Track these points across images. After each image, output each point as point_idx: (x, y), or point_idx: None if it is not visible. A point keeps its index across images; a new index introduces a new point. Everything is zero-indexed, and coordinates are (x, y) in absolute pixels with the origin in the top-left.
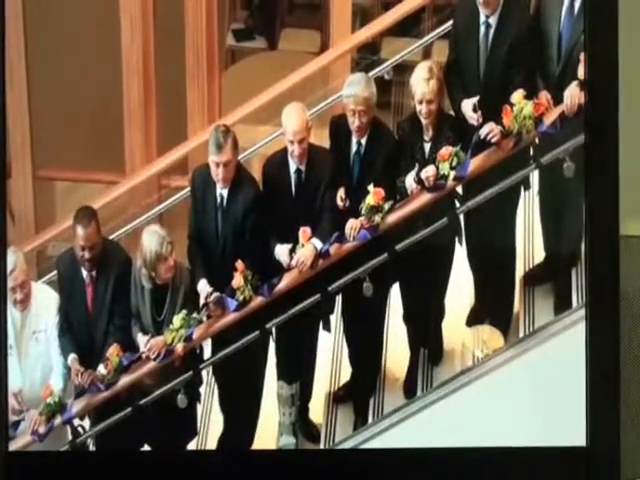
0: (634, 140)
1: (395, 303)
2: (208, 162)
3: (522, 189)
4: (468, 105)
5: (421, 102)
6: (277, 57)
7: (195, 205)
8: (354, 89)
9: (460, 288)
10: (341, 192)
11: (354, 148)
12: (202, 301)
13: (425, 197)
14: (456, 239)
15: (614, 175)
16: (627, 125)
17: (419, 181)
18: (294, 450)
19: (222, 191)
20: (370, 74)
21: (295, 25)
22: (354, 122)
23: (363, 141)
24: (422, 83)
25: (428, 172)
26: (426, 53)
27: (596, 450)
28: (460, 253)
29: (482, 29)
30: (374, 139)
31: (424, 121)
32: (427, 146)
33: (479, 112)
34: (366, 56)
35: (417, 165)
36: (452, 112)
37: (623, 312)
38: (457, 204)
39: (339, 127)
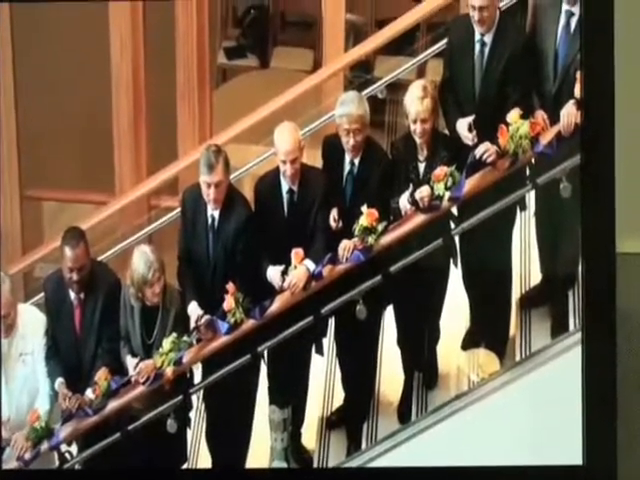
0: (630, 156)
1: (389, 326)
2: (199, 182)
3: (518, 210)
4: (463, 124)
5: (415, 121)
6: (269, 75)
7: (185, 226)
8: (347, 108)
9: (455, 311)
10: (334, 213)
11: (347, 168)
12: (192, 324)
13: (419, 218)
14: (451, 261)
15: (610, 193)
16: (623, 141)
17: (413, 202)
18: (286, 469)
19: (213, 212)
20: (363, 93)
21: (287, 43)
22: (348, 141)
23: (356, 161)
24: (416, 102)
25: (423, 193)
26: (420, 72)
27: (593, 469)
28: (455, 275)
29: (477, 47)
30: (367, 159)
31: (418, 140)
32: (422, 166)
33: (474, 132)
34: (359, 74)
35: (411, 185)
36: (447, 131)
37: (620, 330)
38: (452, 225)
39: (332, 147)
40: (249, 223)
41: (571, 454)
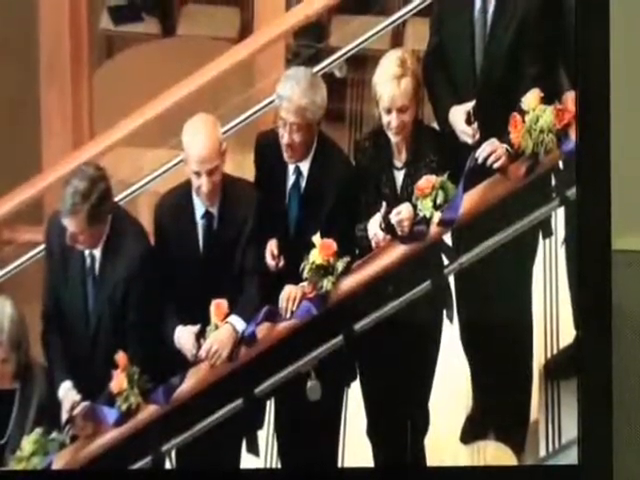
0: (625, 151)
1: (355, 410)
2: None
3: (541, 236)
4: (459, 114)
5: (389, 111)
6: (175, 46)
7: (53, 270)
8: (288, 88)
9: (451, 386)
10: (272, 246)
11: (291, 179)
12: (65, 414)
13: (397, 250)
14: (444, 313)
15: (606, 189)
16: (618, 135)
17: (388, 227)
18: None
19: (93, 250)
20: (315, 70)
21: (202, 0)
22: (283, 136)
23: (304, 168)
24: (391, 83)
25: (401, 214)
26: (396, 38)
27: (588, 468)
28: (450, 334)
29: (478, 2)
30: (320, 166)
31: (394, 138)
32: (399, 175)
33: (475, 124)
34: (308, 43)
35: (384, 204)
36: (435, 125)
37: (615, 326)
38: (445, 260)
39: (269, 149)
40: (145, 264)
41: (548, 423)
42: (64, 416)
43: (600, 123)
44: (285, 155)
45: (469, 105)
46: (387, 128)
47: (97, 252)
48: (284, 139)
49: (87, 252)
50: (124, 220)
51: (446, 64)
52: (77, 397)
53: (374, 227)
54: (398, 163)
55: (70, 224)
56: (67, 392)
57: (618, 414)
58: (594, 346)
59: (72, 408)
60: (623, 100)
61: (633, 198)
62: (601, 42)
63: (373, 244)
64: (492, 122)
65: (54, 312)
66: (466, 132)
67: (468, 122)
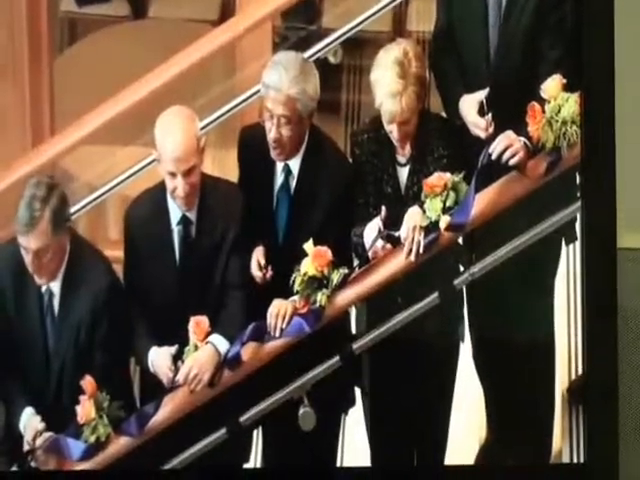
0: (631, 149)
1: (353, 441)
2: None
3: (564, 243)
4: (471, 104)
5: (391, 122)
6: (147, 30)
7: (5, 308)
8: (274, 78)
9: (463, 412)
10: (259, 254)
11: (280, 179)
12: (26, 446)
13: (400, 260)
14: (458, 330)
15: (611, 186)
16: (623, 136)
17: (388, 236)
18: None
19: (51, 284)
20: (306, 55)
21: None
22: (270, 130)
23: (294, 167)
24: (391, 100)
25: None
26: (398, 19)
27: (594, 466)
28: (462, 353)
29: None
30: (313, 164)
31: (400, 148)
32: (402, 172)
33: (489, 115)
34: (297, 25)
35: (384, 208)
36: (443, 114)
37: (620, 327)
38: (460, 268)
39: (255, 145)
40: (112, 296)
41: (573, 452)
42: (25, 446)
43: (606, 120)
44: (273, 152)
45: (481, 94)
46: (390, 134)
47: (55, 286)
48: (271, 134)
49: (44, 288)
50: (83, 248)
51: (456, 47)
52: (40, 425)
53: (371, 235)
54: (402, 158)
55: (32, 240)
56: (30, 419)
57: (624, 411)
58: (600, 343)
59: (34, 438)
60: (629, 98)
61: (639, 195)
62: (606, 41)
63: (370, 254)
64: (508, 113)
65: (6, 347)
66: (478, 124)
67: (481, 113)
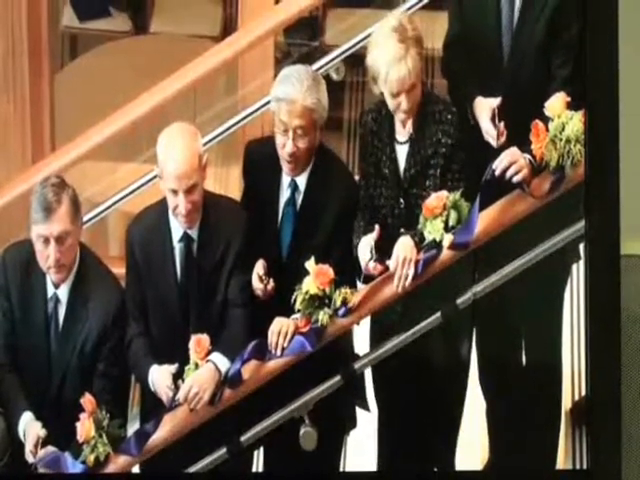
0: (634, 156)
1: (356, 461)
2: (29, 238)
3: (570, 261)
4: (484, 107)
5: (398, 94)
6: (148, 45)
7: (10, 310)
8: (289, 88)
9: (462, 435)
10: (259, 269)
11: (285, 194)
12: (28, 451)
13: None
14: (461, 349)
15: (615, 194)
16: (627, 140)
17: (380, 257)
18: None
19: (58, 290)
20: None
21: None
22: (285, 146)
23: (301, 182)
24: (396, 66)
25: (401, 256)
26: None
27: (598, 473)
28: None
29: None
30: (320, 179)
31: (401, 127)
32: (402, 152)
33: (501, 124)
34: (300, 41)
35: (377, 227)
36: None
37: (624, 333)
38: (465, 287)
39: (260, 160)
40: (118, 305)
41: (576, 458)
42: (27, 451)
43: (609, 127)
44: (286, 167)
45: (495, 101)
46: (396, 110)
47: (62, 293)
48: (287, 148)
49: (50, 293)
50: (92, 259)
51: (469, 55)
52: (42, 432)
53: (364, 252)
54: (401, 137)
55: (54, 224)
56: (30, 425)
57: (627, 416)
58: (604, 349)
59: (35, 446)
60: (632, 105)
61: None
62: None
63: (363, 269)
64: (515, 128)
65: (11, 358)
66: (490, 132)
67: (493, 120)
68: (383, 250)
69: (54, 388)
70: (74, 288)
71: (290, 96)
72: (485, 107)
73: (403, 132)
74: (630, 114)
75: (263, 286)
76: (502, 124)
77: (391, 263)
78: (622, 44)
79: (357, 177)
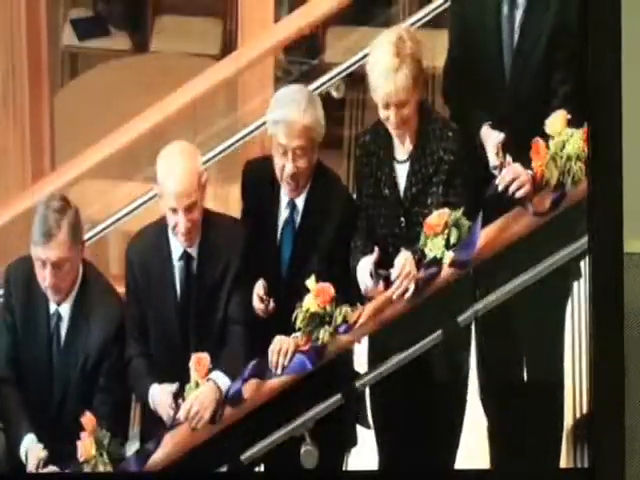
0: (637, 153)
1: (356, 461)
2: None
3: (571, 279)
4: (488, 140)
5: (387, 106)
6: (147, 64)
7: (13, 325)
8: (286, 110)
9: (462, 452)
10: (260, 290)
11: (284, 214)
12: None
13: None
14: (462, 367)
15: (618, 192)
16: (629, 139)
17: (379, 277)
18: None
19: (60, 307)
20: (311, 88)
21: (178, 9)
22: (285, 167)
23: (300, 202)
24: (385, 77)
25: (402, 269)
26: None
27: (600, 472)
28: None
29: (505, 9)
30: (318, 199)
31: (395, 132)
32: (402, 171)
33: (509, 158)
34: (300, 60)
35: (376, 249)
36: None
37: (627, 331)
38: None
39: (258, 179)
40: (116, 322)
41: (577, 457)
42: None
43: (611, 125)
44: (286, 188)
45: (500, 136)
46: (386, 122)
47: (65, 310)
48: (287, 170)
49: (53, 310)
50: (95, 276)
51: (470, 77)
52: (42, 454)
53: (363, 274)
54: (401, 155)
55: (52, 250)
56: (31, 447)
57: (630, 415)
58: (606, 348)
59: (37, 467)
60: (635, 102)
61: None
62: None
63: (363, 291)
64: (517, 146)
65: (12, 373)
66: (494, 164)
67: (497, 151)
68: (383, 273)
69: (55, 404)
70: (76, 305)
71: (289, 118)
72: (490, 139)
73: (402, 151)
74: (630, 114)
75: (264, 306)
76: (509, 158)
77: (393, 272)
78: (625, 58)
79: (355, 196)
